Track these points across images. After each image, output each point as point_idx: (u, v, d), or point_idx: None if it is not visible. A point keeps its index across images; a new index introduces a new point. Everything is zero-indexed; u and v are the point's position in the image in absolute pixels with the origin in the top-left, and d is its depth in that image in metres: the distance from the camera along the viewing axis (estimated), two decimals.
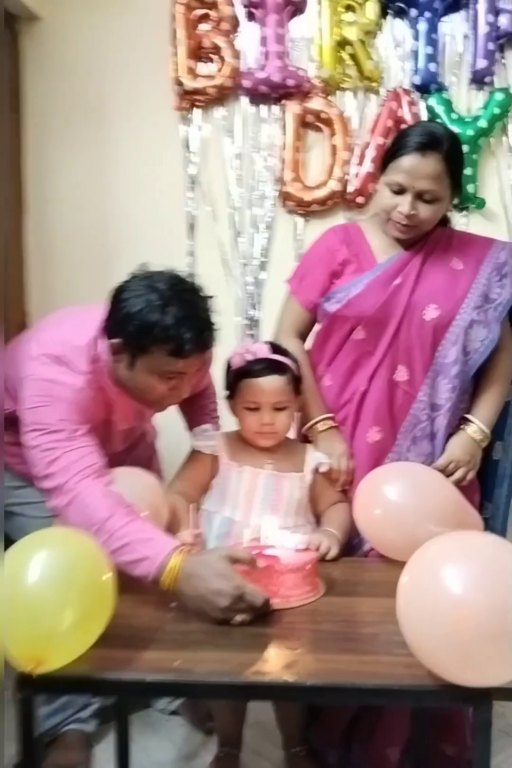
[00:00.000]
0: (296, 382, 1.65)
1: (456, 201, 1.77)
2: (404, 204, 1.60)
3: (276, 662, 1.09)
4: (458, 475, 1.64)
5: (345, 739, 1.80)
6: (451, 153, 1.60)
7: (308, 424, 1.71)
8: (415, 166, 1.58)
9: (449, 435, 1.68)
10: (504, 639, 0.91)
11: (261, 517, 1.51)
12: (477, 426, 1.68)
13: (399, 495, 1.46)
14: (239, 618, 1.21)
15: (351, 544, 1.71)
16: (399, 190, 1.61)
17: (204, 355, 1.51)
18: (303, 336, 1.80)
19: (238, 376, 1.62)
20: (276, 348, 1.65)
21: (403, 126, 2.29)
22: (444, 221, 1.76)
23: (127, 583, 1.24)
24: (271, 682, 1.05)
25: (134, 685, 1.07)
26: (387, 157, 1.66)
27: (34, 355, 1.53)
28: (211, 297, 1.51)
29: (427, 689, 1.00)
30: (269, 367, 1.60)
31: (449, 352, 1.65)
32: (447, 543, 1.03)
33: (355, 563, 1.58)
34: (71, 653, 1.10)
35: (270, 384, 1.59)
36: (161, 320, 1.41)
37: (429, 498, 1.45)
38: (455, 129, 2.28)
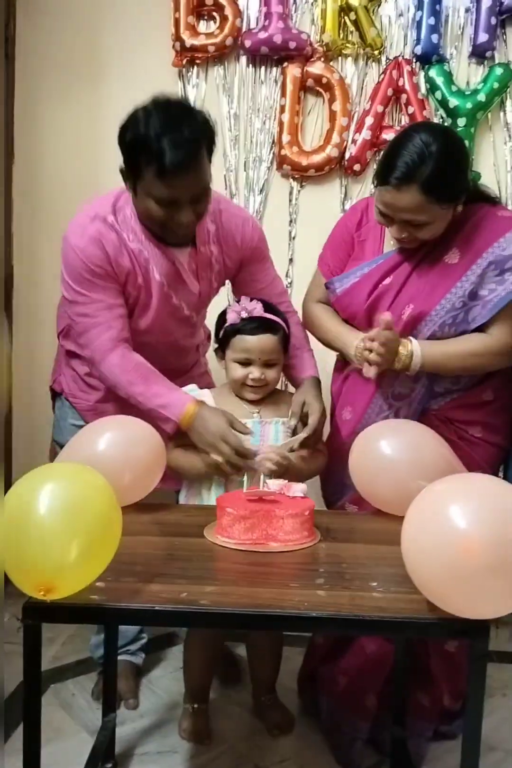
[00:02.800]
0: (286, 340, 1.73)
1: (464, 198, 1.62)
2: (393, 230, 1.61)
3: (278, 596, 1.13)
4: (372, 357, 1.60)
5: (310, 688, 1.89)
6: (432, 178, 1.49)
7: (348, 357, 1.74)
8: (393, 201, 1.55)
9: None
10: (504, 572, 0.96)
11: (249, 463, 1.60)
12: (413, 343, 1.62)
13: (394, 450, 1.50)
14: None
15: (330, 498, 1.79)
16: (387, 216, 1.59)
17: (192, 176, 1.53)
18: (328, 304, 1.84)
19: (232, 332, 1.68)
20: (269, 307, 1.71)
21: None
22: (482, 196, 1.69)
23: (130, 523, 1.26)
24: (277, 612, 1.09)
25: (143, 613, 1.10)
26: (375, 177, 1.64)
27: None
28: (204, 117, 1.58)
29: (427, 621, 1.05)
30: (262, 325, 1.67)
31: None
32: (452, 482, 1.08)
33: (349, 515, 1.63)
34: (78, 583, 1.12)
35: (263, 342, 1.66)
36: (143, 134, 1.49)
37: (422, 454, 1.48)
38: (454, 101, 2.33)
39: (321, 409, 1.69)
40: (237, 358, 1.68)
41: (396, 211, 1.55)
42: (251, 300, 1.69)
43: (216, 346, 1.76)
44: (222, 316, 1.73)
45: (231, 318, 1.69)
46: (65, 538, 1.09)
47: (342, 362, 1.83)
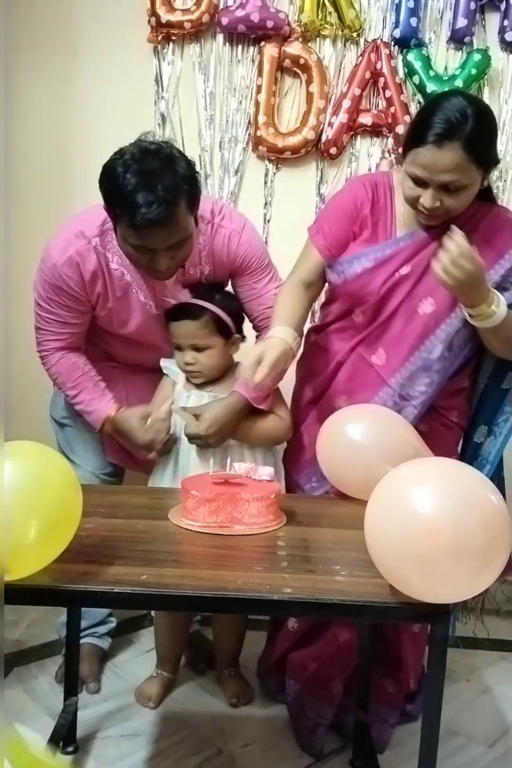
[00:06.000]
0: (219, 323, 1.72)
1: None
2: (426, 197, 1.51)
3: (240, 579, 1.11)
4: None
5: (278, 672, 1.89)
6: (473, 137, 1.45)
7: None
8: (433, 161, 1.47)
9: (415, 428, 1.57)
10: (467, 557, 0.95)
11: None
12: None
13: (362, 435, 1.49)
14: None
15: (305, 487, 1.75)
16: (421, 183, 1.51)
17: (165, 231, 1.52)
18: (312, 285, 1.70)
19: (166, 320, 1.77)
20: (202, 290, 1.73)
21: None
22: (487, 194, 1.63)
23: (94, 505, 1.24)
24: (236, 595, 1.07)
25: (102, 595, 1.08)
26: (406, 143, 1.54)
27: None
28: (186, 168, 1.55)
29: (389, 605, 1.04)
30: (182, 312, 1.72)
31: (436, 347, 1.60)
32: (417, 466, 1.07)
33: (316, 499, 1.62)
34: (36, 564, 1.10)
35: (184, 328, 1.72)
36: (119, 187, 1.50)
37: (389, 439, 1.48)
38: (432, 86, 2.31)
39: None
40: (173, 344, 1.76)
41: (435, 172, 1.47)
42: (184, 287, 1.73)
43: None
44: None
45: (165, 305, 1.74)
46: (22, 518, 1.07)
47: (317, 337, 1.77)
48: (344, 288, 1.67)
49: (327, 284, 1.75)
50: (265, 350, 1.51)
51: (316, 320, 1.85)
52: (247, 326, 1.88)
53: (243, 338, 1.81)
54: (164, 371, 1.82)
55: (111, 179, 1.51)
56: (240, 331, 1.81)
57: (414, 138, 1.51)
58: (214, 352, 1.72)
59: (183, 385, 1.78)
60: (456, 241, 1.44)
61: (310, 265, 1.70)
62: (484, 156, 1.51)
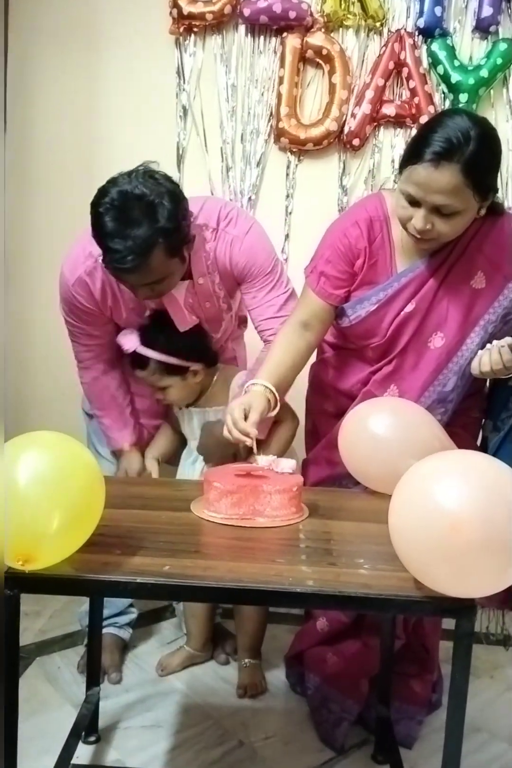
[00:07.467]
0: (166, 366, 1.76)
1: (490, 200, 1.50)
2: (417, 218, 1.44)
3: (262, 571, 1.11)
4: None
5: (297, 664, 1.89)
6: (473, 161, 1.38)
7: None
8: (427, 180, 1.39)
9: None
10: (493, 550, 0.94)
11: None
12: None
13: (385, 428, 1.47)
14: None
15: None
16: (414, 202, 1.44)
17: (139, 275, 1.54)
18: (310, 327, 1.63)
19: None
20: (147, 335, 1.76)
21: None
22: (495, 207, 1.54)
23: (117, 496, 1.25)
24: (258, 587, 1.06)
25: (125, 585, 1.08)
26: (404, 158, 1.47)
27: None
28: (170, 211, 1.51)
29: (413, 599, 1.02)
30: (134, 360, 1.80)
31: (449, 380, 1.59)
32: (441, 459, 1.05)
33: (338, 492, 1.61)
34: (59, 554, 1.10)
35: (139, 374, 1.82)
36: (98, 226, 1.52)
37: (413, 432, 1.46)
38: (456, 76, 2.29)
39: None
40: None
41: (429, 192, 1.40)
42: (131, 331, 1.78)
43: None
44: None
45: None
46: (46, 508, 1.07)
47: (336, 343, 1.76)
48: (351, 331, 1.65)
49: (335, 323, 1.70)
50: (251, 403, 1.49)
51: (331, 337, 1.78)
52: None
53: (205, 367, 1.82)
54: None
55: (94, 214, 1.53)
56: (203, 358, 1.82)
57: (412, 154, 1.44)
58: (174, 388, 1.80)
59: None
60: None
61: (308, 307, 1.64)
62: (483, 182, 1.43)
